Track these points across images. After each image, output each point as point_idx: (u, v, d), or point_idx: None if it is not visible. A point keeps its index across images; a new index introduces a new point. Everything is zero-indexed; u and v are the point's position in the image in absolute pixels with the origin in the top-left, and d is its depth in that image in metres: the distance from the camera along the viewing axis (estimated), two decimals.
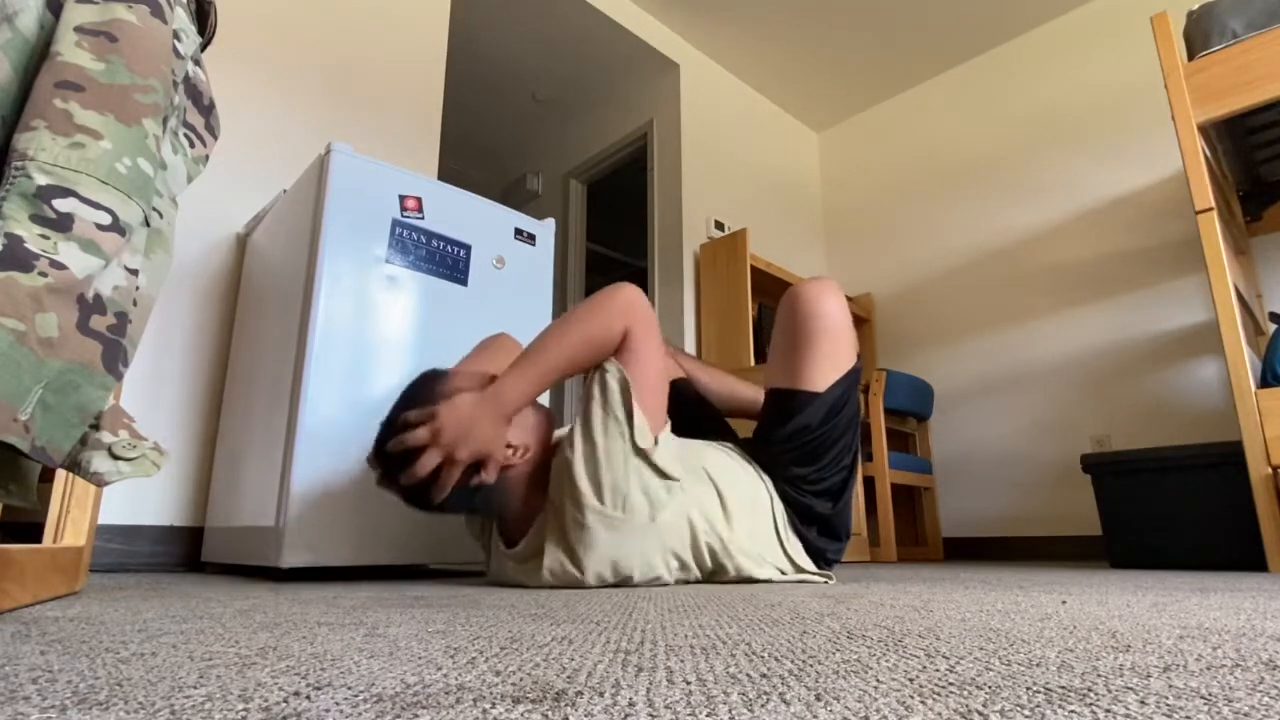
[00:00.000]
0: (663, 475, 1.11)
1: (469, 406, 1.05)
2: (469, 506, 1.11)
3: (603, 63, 3.50)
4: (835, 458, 1.29)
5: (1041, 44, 3.31)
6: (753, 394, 1.52)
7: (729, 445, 1.35)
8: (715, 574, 1.21)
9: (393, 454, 1.04)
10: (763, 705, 0.32)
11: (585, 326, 1.12)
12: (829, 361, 1.27)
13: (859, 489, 2.74)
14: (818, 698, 0.33)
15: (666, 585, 1.17)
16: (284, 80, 2.09)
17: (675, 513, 1.14)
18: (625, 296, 1.14)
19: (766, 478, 1.28)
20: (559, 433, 1.28)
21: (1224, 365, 2.21)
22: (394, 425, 1.06)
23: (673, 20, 3.36)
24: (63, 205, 0.54)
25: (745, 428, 1.45)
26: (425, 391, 1.08)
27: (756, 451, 1.32)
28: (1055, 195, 3.14)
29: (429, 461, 1.02)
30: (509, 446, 1.10)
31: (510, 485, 1.12)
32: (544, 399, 1.71)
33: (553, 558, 1.10)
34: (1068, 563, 2.42)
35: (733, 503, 1.21)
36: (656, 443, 1.11)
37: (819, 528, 1.30)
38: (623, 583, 1.13)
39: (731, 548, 1.19)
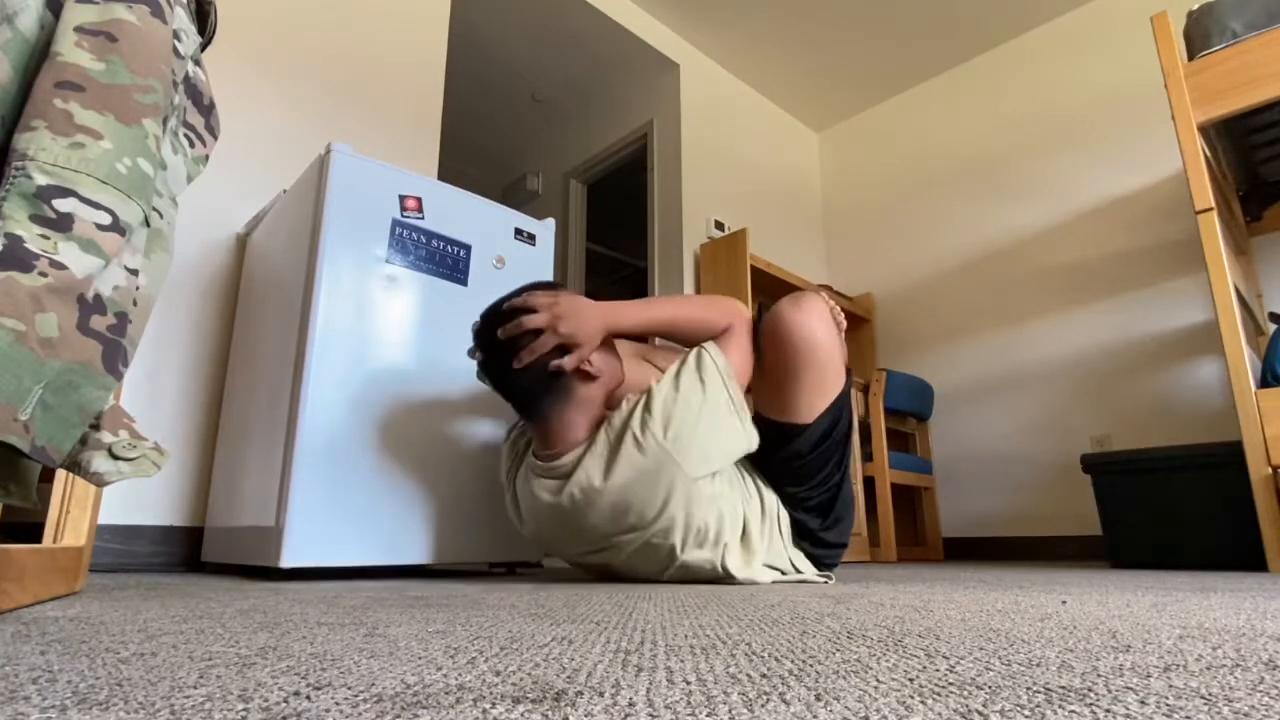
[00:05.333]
0: (727, 450, 1.18)
1: (586, 302, 1.20)
2: (533, 386, 1.18)
3: (603, 63, 3.50)
4: (824, 478, 1.30)
5: (1041, 44, 3.31)
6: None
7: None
8: (722, 577, 1.22)
9: (512, 306, 1.17)
10: (763, 705, 0.32)
11: (702, 306, 1.28)
12: (816, 391, 1.26)
13: (859, 490, 2.74)
14: (818, 698, 0.33)
15: (672, 552, 1.18)
16: (284, 80, 2.09)
17: (712, 492, 1.17)
18: (738, 304, 1.31)
19: (772, 490, 1.31)
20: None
21: (1224, 365, 2.21)
22: (523, 289, 1.22)
23: (673, 20, 3.36)
24: (63, 205, 0.54)
25: None
26: (548, 285, 1.24)
27: (755, 464, 1.33)
28: (1055, 195, 3.14)
29: (536, 320, 1.14)
30: (594, 354, 1.19)
31: (577, 391, 1.19)
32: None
33: (582, 473, 1.16)
34: (1068, 563, 2.42)
35: (753, 513, 1.25)
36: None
37: (811, 541, 1.32)
38: (632, 528, 1.15)
39: (741, 557, 1.21)
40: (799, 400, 1.25)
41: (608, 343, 1.24)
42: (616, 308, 1.22)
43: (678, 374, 1.18)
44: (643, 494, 1.13)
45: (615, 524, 1.16)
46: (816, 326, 1.24)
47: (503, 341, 1.17)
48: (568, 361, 1.15)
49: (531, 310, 1.16)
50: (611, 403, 1.23)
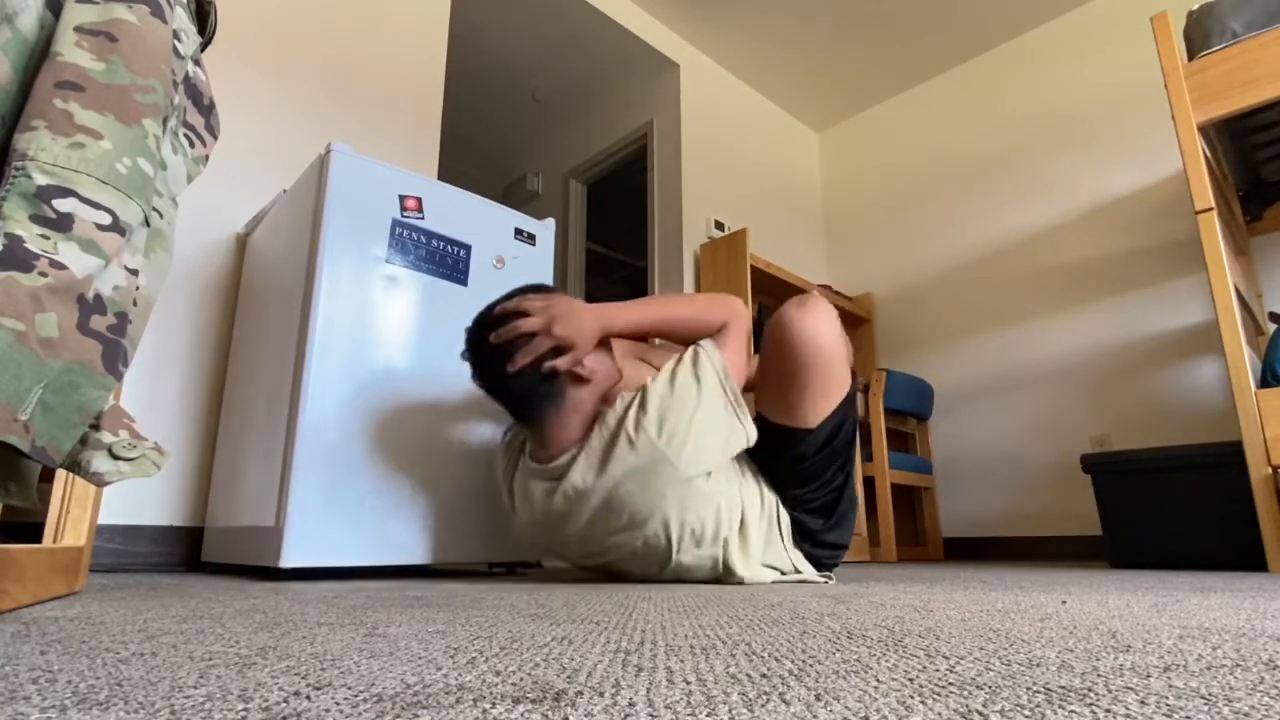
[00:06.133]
0: (724, 446, 1.18)
1: (580, 304, 1.20)
2: (528, 389, 1.17)
3: (603, 63, 3.50)
4: (827, 480, 1.29)
5: (1041, 44, 3.31)
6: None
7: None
8: (722, 576, 1.22)
9: (500, 315, 1.16)
10: (763, 705, 0.32)
11: (699, 305, 1.27)
12: (821, 396, 1.25)
13: (859, 490, 2.74)
14: (818, 698, 0.33)
15: (668, 551, 1.18)
16: (284, 80, 2.09)
17: (709, 491, 1.17)
18: (736, 301, 1.30)
19: (773, 491, 1.30)
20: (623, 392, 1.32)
21: (1224, 365, 2.21)
22: (516, 292, 1.21)
23: (673, 20, 3.36)
24: (63, 205, 0.54)
25: None
26: (541, 289, 1.23)
27: (759, 464, 1.32)
28: (1055, 195, 3.14)
29: (531, 323, 1.14)
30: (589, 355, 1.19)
31: (572, 392, 1.18)
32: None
33: (577, 472, 1.15)
34: (1068, 563, 2.42)
35: (752, 511, 1.24)
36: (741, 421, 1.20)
37: (812, 542, 1.32)
38: (626, 527, 1.15)
39: (740, 554, 1.21)
40: (803, 404, 1.25)
41: (603, 344, 1.23)
42: (611, 309, 1.22)
43: (673, 372, 1.18)
44: (636, 492, 1.12)
45: (610, 523, 1.16)
46: (822, 329, 1.23)
47: (496, 346, 1.16)
48: (562, 362, 1.15)
49: (525, 314, 1.16)
50: (607, 399, 1.23)
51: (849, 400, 1.29)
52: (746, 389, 1.48)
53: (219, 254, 1.90)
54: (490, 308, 1.20)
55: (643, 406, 1.14)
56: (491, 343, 1.16)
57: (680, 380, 1.17)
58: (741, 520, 1.22)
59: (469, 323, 1.23)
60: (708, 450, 1.15)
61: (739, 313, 1.28)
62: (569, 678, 0.38)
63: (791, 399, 1.25)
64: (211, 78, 1.87)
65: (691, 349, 1.23)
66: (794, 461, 1.27)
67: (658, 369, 1.28)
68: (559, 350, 1.15)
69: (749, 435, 1.21)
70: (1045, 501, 2.94)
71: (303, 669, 0.40)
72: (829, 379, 1.25)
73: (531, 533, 1.29)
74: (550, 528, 1.23)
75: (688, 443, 1.13)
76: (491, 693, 0.34)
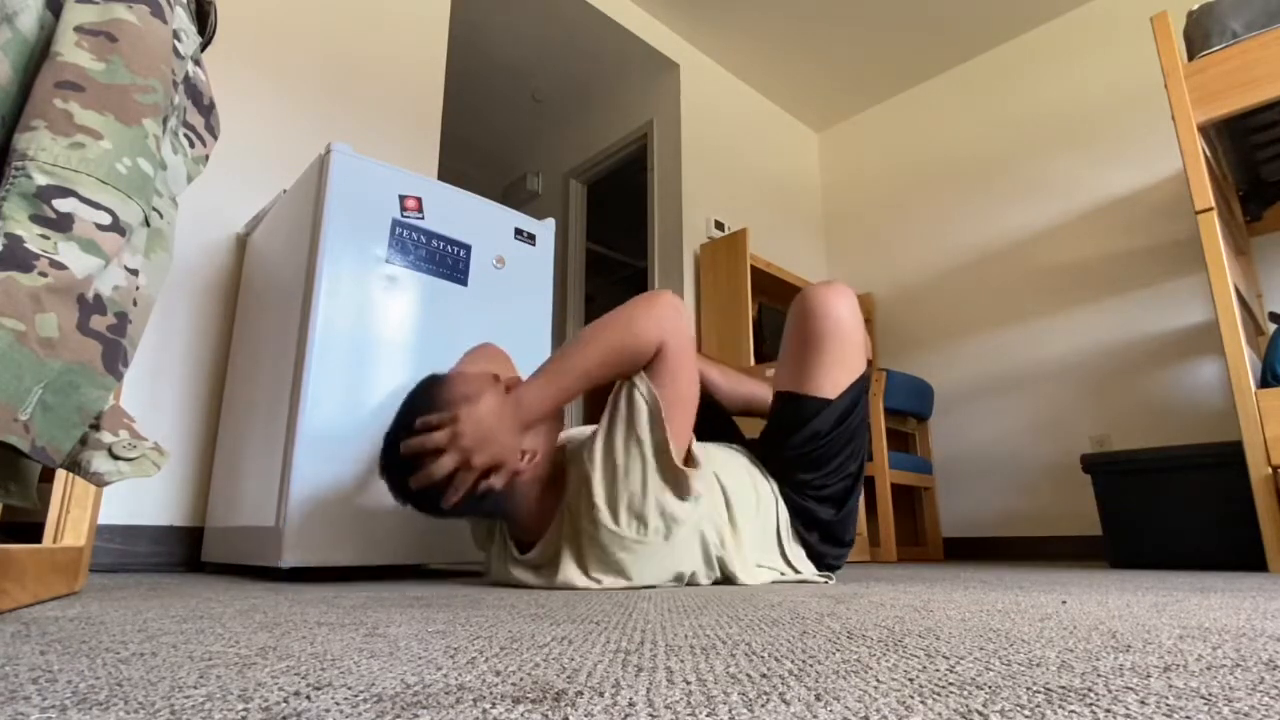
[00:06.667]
0: (684, 495, 1.08)
1: (490, 412, 1.03)
2: (478, 511, 1.10)
3: (603, 63, 3.50)
4: (840, 465, 1.28)
5: (1042, 44, 3.31)
6: (763, 392, 1.49)
7: (736, 447, 1.34)
8: (721, 580, 1.21)
9: (406, 457, 1.01)
10: (763, 705, 0.32)
11: (618, 336, 1.08)
12: (840, 367, 1.26)
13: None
14: (818, 698, 0.33)
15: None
16: (284, 80, 2.09)
17: (690, 529, 1.12)
18: (660, 308, 1.09)
19: (772, 481, 1.28)
20: (570, 433, 1.28)
21: (1224, 365, 2.21)
22: (410, 427, 1.03)
23: (673, 20, 3.36)
24: (63, 205, 0.54)
25: (752, 427, 1.45)
26: (439, 395, 1.05)
27: (764, 454, 1.31)
28: (1055, 195, 3.14)
29: (446, 464, 1.00)
30: (521, 452, 1.06)
31: (521, 489, 1.09)
32: None
33: (568, 570, 1.09)
34: (1068, 563, 2.42)
35: (739, 507, 1.21)
36: (686, 462, 1.09)
37: (820, 533, 1.30)
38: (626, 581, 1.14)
39: (737, 557, 1.20)
40: (823, 374, 1.25)
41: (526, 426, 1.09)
42: (524, 396, 1.06)
43: (608, 435, 1.07)
44: (629, 572, 1.10)
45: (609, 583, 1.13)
46: (843, 305, 1.27)
47: (421, 490, 1.03)
48: (496, 481, 1.03)
49: (437, 449, 1.01)
50: (559, 445, 1.18)
51: (864, 381, 1.30)
52: (709, 399, 1.41)
53: (219, 254, 1.90)
54: (393, 444, 1.04)
55: (591, 499, 1.05)
56: (414, 489, 1.03)
57: (618, 449, 1.06)
58: (732, 521, 1.20)
59: (380, 460, 1.07)
60: (673, 505, 1.08)
61: (669, 316, 1.10)
62: (569, 678, 0.38)
63: (812, 368, 1.26)
64: (211, 78, 1.86)
65: (624, 390, 1.09)
66: (809, 439, 1.25)
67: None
68: (487, 472, 1.03)
69: (689, 492, 1.09)
70: (1045, 501, 2.94)
71: (303, 669, 0.40)
72: (848, 351, 1.27)
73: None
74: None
75: (649, 514, 1.05)
76: (491, 693, 0.34)
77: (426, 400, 1.05)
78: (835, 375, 1.26)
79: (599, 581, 1.09)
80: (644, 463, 1.06)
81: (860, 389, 1.29)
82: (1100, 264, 2.95)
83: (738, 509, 1.21)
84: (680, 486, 1.07)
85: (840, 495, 1.29)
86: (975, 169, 3.43)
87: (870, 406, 2.92)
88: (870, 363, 1.34)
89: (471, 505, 1.05)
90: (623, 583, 1.11)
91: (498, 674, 0.39)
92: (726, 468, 1.24)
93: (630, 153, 3.66)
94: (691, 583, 1.19)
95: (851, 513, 1.32)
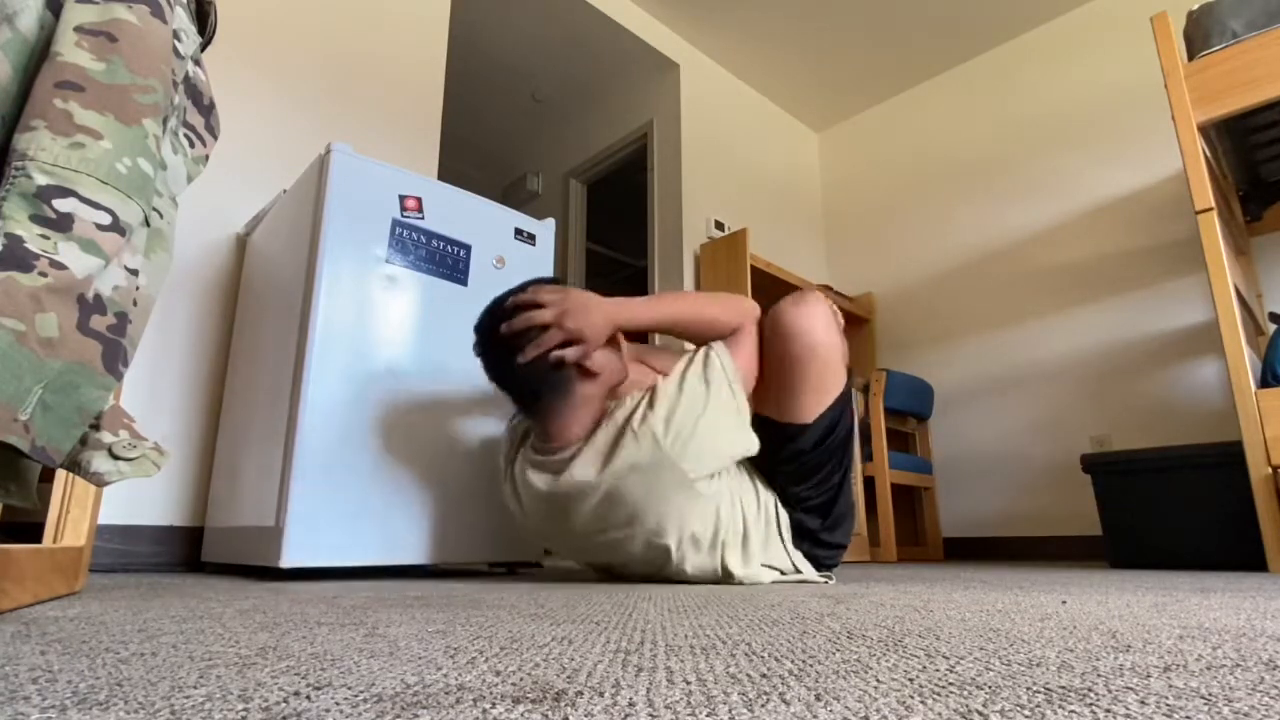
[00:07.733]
0: (740, 440, 1.19)
1: (593, 297, 1.19)
2: (537, 382, 1.17)
3: (603, 63, 3.50)
4: (823, 479, 1.29)
5: (1041, 44, 3.31)
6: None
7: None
8: (721, 579, 1.22)
9: (512, 306, 1.17)
10: (763, 705, 0.32)
11: (714, 305, 1.27)
12: (816, 391, 1.25)
13: (859, 489, 2.74)
14: (818, 698, 0.33)
15: (668, 552, 1.18)
16: (284, 80, 2.09)
17: (711, 493, 1.17)
18: (750, 304, 1.30)
19: (770, 489, 1.30)
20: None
21: (1224, 365, 2.20)
22: (528, 284, 1.21)
23: (673, 20, 3.36)
24: (63, 205, 0.54)
25: None
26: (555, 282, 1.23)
27: (757, 463, 1.32)
28: (1055, 195, 3.13)
29: (544, 315, 1.14)
30: (602, 343, 1.18)
31: (574, 388, 1.18)
32: None
33: (579, 466, 1.15)
34: (1068, 563, 2.42)
35: (750, 511, 1.23)
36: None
37: (811, 541, 1.31)
38: (625, 524, 1.15)
39: (739, 554, 1.21)
40: (798, 400, 1.25)
41: (612, 340, 1.23)
42: (624, 304, 1.21)
43: (683, 374, 1.18)
44: (637, 491, 1.12)
45: (608, 519, 1.15)
46: (817, 325, 1.24)
47: (507, 336, 1.16)
48: (571, 354, 1.14)
49: (538, 305, 1.16)
50: (614, 396, 1.23)
51: (845, 397, 1.29)
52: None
53: (219, 254, 1.90)
54: (503, 298, 1.21)
55: (651, 405, 1.14)
56: (502, 333, 1.16)
57: (689, 383, 1.17)
58: (743, 522, 1.22)
59: (482, 311, 1.23)
60: (711, 453, 1.15)
61: (753, 316, 1.28)
62: (569, 678, 0.38)
63: (786, 394, 1.26)
64: (211, 78, 1.86)
65: (702, 351, 1.22)
66: (791, 458, 1.27)
67: (657, 371, 1.28)
68: (569, 343, 1.15)
69: (750, 445, 1.21)
70: (1045, 501, 2.94)
71: (303, 669, 0.40)
72: (824, 375, 1.25)
73: (530, 521, 1.28)
74: (548, 517, 1.22)
75: (690, 444, 1.13)
76: (491, 693, 0.34)
77: (546, 282, 1.23)
78: (811, 401, 1.25)
79: (597, 489, 1.14)
80: (705, 405, 1.15)
81: (840, 406, 1.28)
82: (1100, 264, 2.95)
83: (749, 510, 1.23)
84: (736, 434, 1.18)
85: (826, 505, 1.31)
86: (975, 169, 3.43)
87: (864, 400, 2.93)
88: (850, 370, 1.34)
89: (538, 372, 1.16)
90: (624, 495, 1.13)
91: (498, 674, 0.39)
92: (733, 470, 1.25)
93: (630, 153, 3.66)
94: (695, 554, 1.19)
95: (841, 518, 1.33)
